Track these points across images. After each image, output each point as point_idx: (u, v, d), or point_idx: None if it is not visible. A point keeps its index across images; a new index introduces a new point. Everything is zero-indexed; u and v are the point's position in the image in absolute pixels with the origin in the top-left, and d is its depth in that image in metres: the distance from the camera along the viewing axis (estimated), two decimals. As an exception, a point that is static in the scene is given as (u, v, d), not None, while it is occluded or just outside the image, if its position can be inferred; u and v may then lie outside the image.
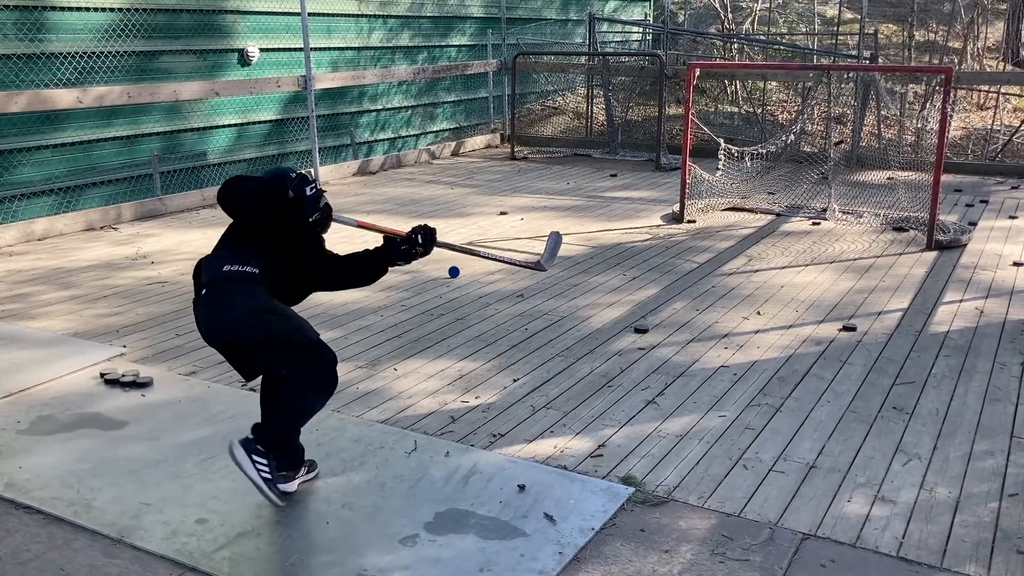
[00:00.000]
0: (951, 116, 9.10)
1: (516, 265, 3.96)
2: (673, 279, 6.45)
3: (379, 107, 11.81)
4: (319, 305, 5.84)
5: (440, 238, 3.64)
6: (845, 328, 5.38)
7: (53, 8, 7.83)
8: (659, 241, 7.58)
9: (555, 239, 4.00)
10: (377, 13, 11.51)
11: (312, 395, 3.37)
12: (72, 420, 4.16)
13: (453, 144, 12.64)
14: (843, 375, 4.70)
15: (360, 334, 5.32)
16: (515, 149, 12.33)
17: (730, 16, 15.93)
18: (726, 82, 14.33)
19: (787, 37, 15.98)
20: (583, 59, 13.80)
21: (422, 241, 3.50)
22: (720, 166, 8.95)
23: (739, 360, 4.91)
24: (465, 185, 10.18)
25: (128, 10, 8.40)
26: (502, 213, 8.62)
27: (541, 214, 8.61)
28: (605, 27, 15.98)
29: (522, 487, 3.54)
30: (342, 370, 4.74)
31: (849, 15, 16.36)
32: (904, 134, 11.65)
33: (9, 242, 7.39)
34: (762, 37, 15.46)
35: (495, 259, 3.94)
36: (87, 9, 8.08)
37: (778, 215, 8.52)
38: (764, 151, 9.21)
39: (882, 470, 3.70)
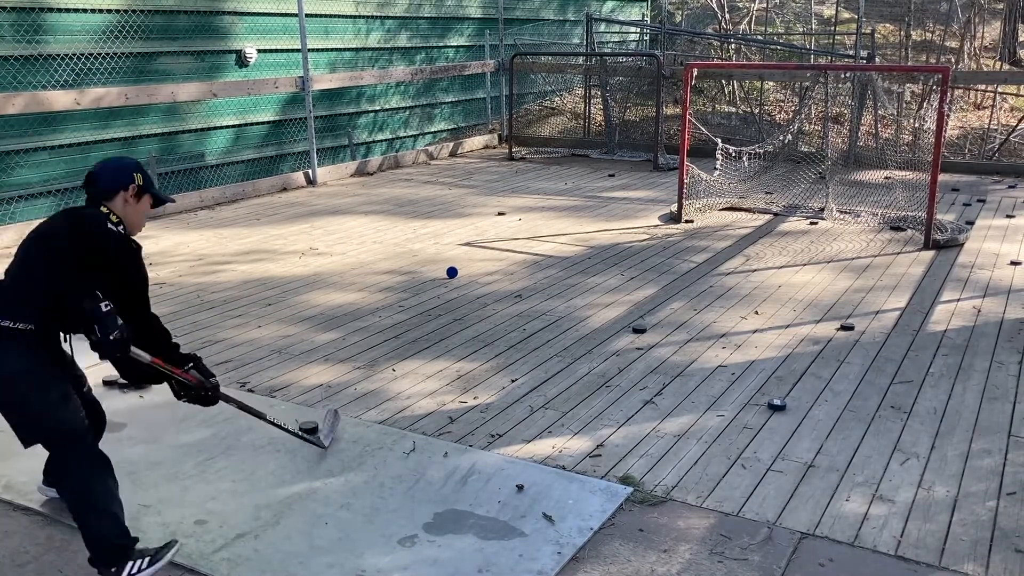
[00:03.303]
0: (948, 115, 9.11)
1: (295, 436, 3.78)
2: (671, 279, 6.46)
3: (377, 108, 11.81)
4: (316, 306, 5.84)
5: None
6: (843, 327, 5.39)
7: (51, 10, 7.83)
8: (657, 241, 7.58)
9: (332, 420, 4.02)
10: (375, 14, 11.51)
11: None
12: (70, 422, 4.16)
13: (451, 145, 12.64)
14: (841, 374, 4.70)
15: (358, 335, 5.32)
16: (513, 149, 12.34)
17: (727, 16, 15.94)
18: (723, 82, 14.34)
19: (784, 37, 15.99)
20: (581, 59, 13.81)
21: (190, 398, 3.25)
22: (718, 166, 8.95)
23: (737, 360, 4.91)
24: (463, 185, 10.18)
25: (126, 11, 8.40)
26: (500, 213, 8.63)
27: (539, 214, 8.61)
28: (603, 27, 15.99)
29: (520, 487, 3.55)
30: (341, 371, 4.77)
31: (846, 15, 16.37)
32: (901, 133, 11.66)
33: (7, 244, 7.39)
34: (759, 37, 15.47)
35: (279, 427, 3.71)
36: (85, 11, 8.08)
37: (776, 215, 8.52)
38: (761, 151, 9.22)
39: (880, 469, 3.70)
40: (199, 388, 3.23)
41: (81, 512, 2.92)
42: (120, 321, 2.87)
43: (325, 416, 4.07)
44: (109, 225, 2.97)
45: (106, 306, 2.83)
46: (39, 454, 3.83)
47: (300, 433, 3.79)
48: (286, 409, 4.28)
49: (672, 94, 13.58)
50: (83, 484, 2.92)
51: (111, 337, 2.83)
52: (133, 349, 2.98)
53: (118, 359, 2.98)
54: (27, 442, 2.93)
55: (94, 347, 2.86)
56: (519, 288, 6.25)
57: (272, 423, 3.65)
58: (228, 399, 3.40)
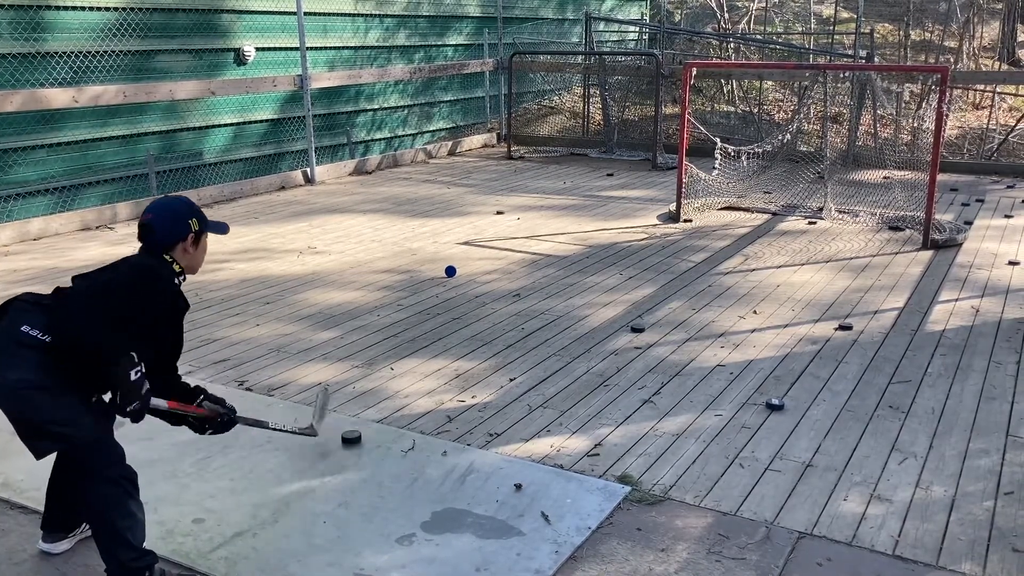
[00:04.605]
0: (947, 115, 9.11)
1: (294, 433, 3.75)
2: (669, 278, 6.46)
3: (376, 107, 11.81)
4: (314, 305, 5.84)
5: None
6: (841, 327, 5.39)
7: (49, 7, 7.82)
8: (655, 240, 7.58)
9: (322, 398, 3.94)
10: (374, 12, 11.51)
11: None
12: (68, 420, 4.15)
13: (450, 143, 12.64)
14: (839, 374, 4.70)
15: (356, 333, 5.31)
16: (512, 148, 12.34)
17: (726, 15, 15.93)
18: (722, 81, 14.34)
19: (783, 36, 15.99)
20: (580, 58, 13.81)
21: (214, 429, 3.18)
22: (716, 165, 8.95)
23: (735, 359, 4.91)
24: (462, 184, 10.18)
25: (124, 9, 8.39)
26: (499, 212, 8.62)
27: (538, 213, 8.61)
28: (602, 26, 15.99)
29: (519, 486, 3.55)
30: (339, 369, 4.76)
31: (845, 14, 16.37)
32: (900, 133, 11.67)
33: (4, 242, 7.38)
34: (758, 36, 15.47)
35: (279, 430, 3.68)
36: (83, 8, 8.08)
37: (774, 214, 8.52)
38: (760, 150, 9.21)
39: (878, 469, 3.70)
40: (217, 417, 3.16)
41: (97, 533, 2.82)
42: (146, 388, 2.73)
43: (316, 397, 4.01)
44: (176, 281, 2.91)
45: (136, 373, 2.67)
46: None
47: (296, 429, 3.78)
48: (284, 408, 4.27)
49: (671, 93, 13.57)
50: (100, 503, 2.77)
51: (128, 409, 2.72)
52: (153, 402, 2.86)
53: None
54: (40, 453, 2.81)
55: (111, 408, 2.78)
56: (517, 287, 6.24)
57: (274, 428, 3.63)
58: (242, 420, 3.35)
